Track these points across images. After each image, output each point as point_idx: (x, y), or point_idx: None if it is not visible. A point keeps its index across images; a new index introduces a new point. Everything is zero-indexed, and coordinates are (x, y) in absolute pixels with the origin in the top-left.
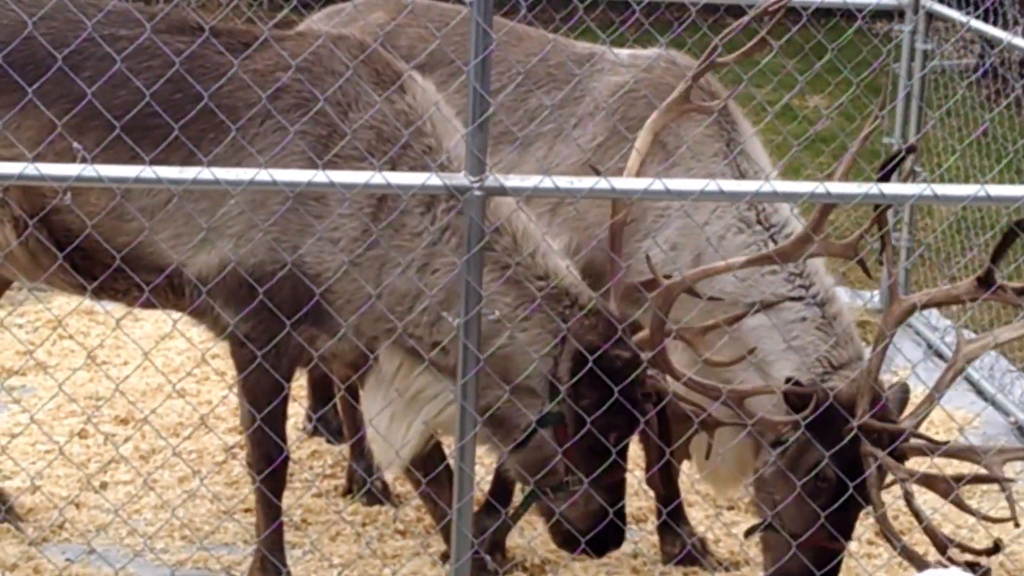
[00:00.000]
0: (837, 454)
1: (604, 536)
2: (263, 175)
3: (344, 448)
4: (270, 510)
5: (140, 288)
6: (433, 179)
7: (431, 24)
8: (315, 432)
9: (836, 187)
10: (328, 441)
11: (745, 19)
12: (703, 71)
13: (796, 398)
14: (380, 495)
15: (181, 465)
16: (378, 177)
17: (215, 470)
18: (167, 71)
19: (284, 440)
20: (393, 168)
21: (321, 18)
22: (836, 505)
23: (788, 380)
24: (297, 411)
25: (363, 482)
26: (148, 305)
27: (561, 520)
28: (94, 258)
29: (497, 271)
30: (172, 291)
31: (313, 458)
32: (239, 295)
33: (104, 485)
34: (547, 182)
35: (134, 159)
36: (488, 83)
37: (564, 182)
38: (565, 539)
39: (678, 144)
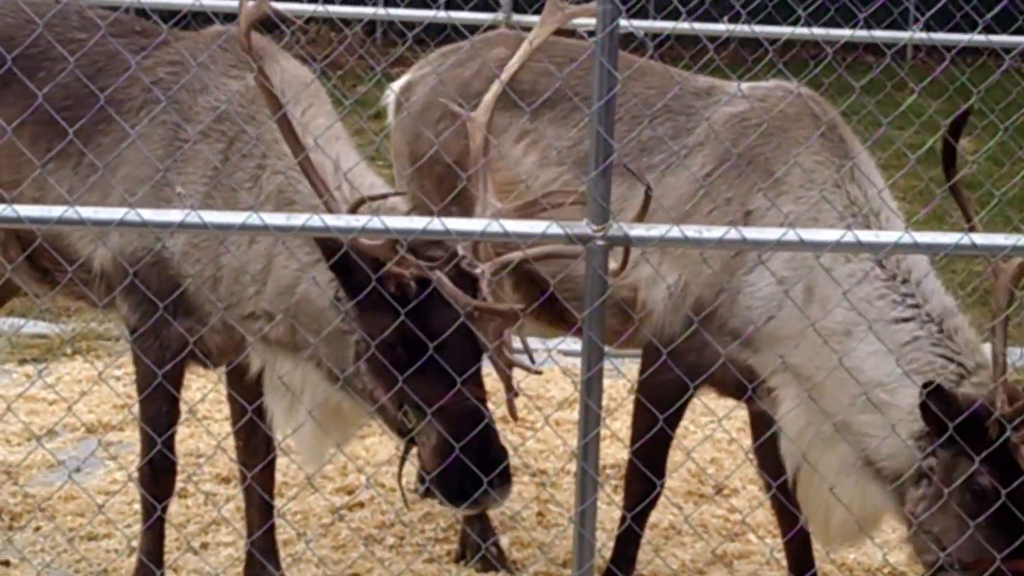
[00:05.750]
0: (990, 459)
1: (456, 478)
2: (375, 222)
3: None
4: (151, 519)
5: (63, 272)
6: (554, 228)
7: (555, 60)
8: (427, 494)
9: (982, 238)
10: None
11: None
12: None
13: (938, 405)
14: (495, 561)
15: (285, 527)
16: (495, 225)
17: (321, 532)
18: (89, 68)
19: (172, 448)
20: (229, 146)
21: (436, 57)
22: (1003, 517)
23: (926, 385)
24: (409, 470)
25: (477, 547)
26: (76, 296)
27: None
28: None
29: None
30: (87, 285)
31: (425, 521)
32: (127, 288)
33: (204, 546)
34: (675, 231)
35: (52, 142)
36: (612, 127)
37: (692, 231)
38: (426, 489)
39: (789, 172)
